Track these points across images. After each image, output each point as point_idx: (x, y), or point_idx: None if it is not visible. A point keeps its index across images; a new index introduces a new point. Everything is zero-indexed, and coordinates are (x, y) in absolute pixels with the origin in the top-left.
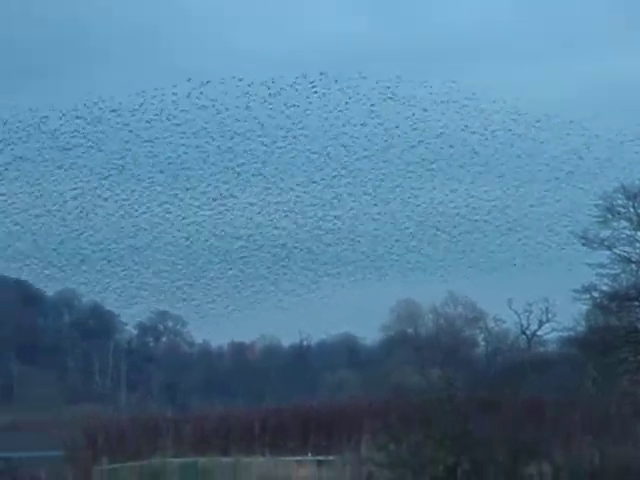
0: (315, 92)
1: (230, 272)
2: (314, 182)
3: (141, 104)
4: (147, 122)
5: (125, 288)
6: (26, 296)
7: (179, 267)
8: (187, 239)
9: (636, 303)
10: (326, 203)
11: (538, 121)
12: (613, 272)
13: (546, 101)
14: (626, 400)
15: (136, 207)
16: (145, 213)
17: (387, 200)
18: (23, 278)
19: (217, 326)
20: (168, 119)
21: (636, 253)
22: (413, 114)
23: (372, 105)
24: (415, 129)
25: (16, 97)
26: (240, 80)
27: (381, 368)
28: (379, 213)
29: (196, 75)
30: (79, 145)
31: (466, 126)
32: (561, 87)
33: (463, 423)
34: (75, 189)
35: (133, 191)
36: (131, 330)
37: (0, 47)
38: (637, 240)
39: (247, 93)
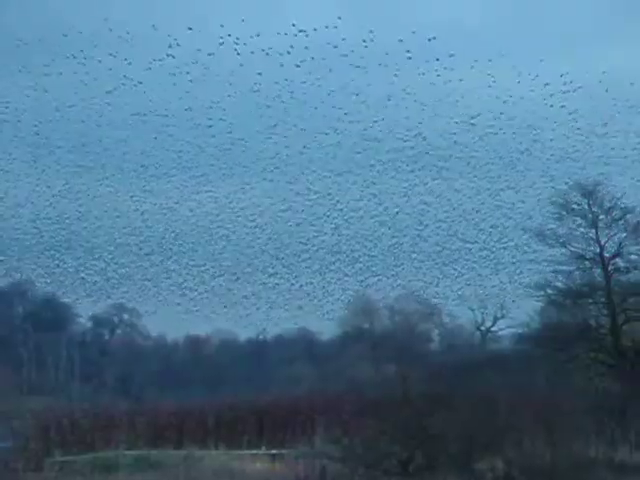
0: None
1: (186, 266)
2: (270, 181)
3: None
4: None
5: (80, 280)
6: None
7: (135, 260)
8: (143, 232)
9: (590, 300)
10: (285, 199)
11: (497, 118)
12: (567, 269)
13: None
14: (578, 397)
15: (91, 199)
16: (101, 205)
17: (346, 196)
18: None
19: (172, 319)
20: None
21: (590, 250)
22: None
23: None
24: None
25: None
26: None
27: (337, 363)
28: (339, 210)
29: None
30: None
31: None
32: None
33: (417, 418)
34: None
35: (88, 183)
36: (85, 322)
37: None
38: (591, 238)
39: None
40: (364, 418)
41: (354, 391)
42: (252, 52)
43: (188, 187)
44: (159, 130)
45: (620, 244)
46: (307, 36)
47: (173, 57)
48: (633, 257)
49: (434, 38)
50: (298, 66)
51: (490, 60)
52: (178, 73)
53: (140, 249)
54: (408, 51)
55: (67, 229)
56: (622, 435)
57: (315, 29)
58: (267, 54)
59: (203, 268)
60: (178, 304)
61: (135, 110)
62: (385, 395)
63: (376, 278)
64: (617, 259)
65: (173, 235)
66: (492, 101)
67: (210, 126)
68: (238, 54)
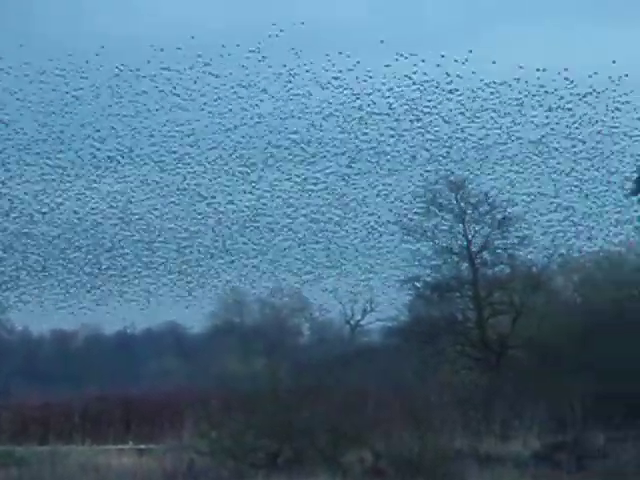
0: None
1: (52, 260)
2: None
3: None
4: None
5: None
6: None
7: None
8: (8, 226)
9: (457, 294)
10: (155, 195)
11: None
12: (435, 263)
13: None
14: (445, 389)
15: None
16: None
17: (212, 194)
18: None
19: (38, 314)
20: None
21: (458, 245)
22: None
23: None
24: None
25: None
26: None
27: (206, 357)
28: (210, 204)
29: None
30: None
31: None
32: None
33: (285, 412)
34: None
35: None
36: None
37: None
38: (459, 232)
39: None
40: (233, 412)
41: (223, 385)
42: None
43: (54, 178)
44: None
45: (487, 238)
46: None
47: None
48: (499, 251)
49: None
50: None
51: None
52: None
53: (3, 242)
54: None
55: None
56: (487, 427)
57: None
58: None
59: (68, 262)
60: (43, 298)
61: None
62: (254, 389)
63: (246, 272)
64: (484, 253)
65: (34, 229)
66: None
67: None
68: None
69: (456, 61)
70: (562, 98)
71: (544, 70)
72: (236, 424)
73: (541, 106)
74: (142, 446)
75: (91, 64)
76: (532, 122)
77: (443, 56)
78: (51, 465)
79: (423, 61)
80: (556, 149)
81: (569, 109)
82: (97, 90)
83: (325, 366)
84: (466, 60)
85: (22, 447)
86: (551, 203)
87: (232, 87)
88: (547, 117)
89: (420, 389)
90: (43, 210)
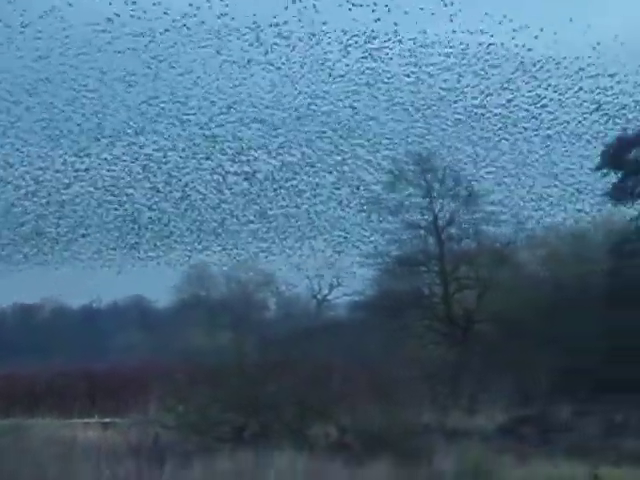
0: None
1: (15, 231)
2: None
3: None
4: None
5: None
6: None
7: None
8: None
9: (423, 268)
10: (124, 167)
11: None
12: (402, 237)
13: None
14: (411, 364)
15: None
16: None
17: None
18: None
19: (2, 287)
20: None
21: (424, 219)
22: None
23: None
24: None
25: None
26: None
27: (172, 331)
28: (174, 177)
29: None
30: None
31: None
32: None
33: (251, 386)
34: None
35: None
36: None
37: None
38: (425, 206)
39: None
40: (198, 386)
41: (189, 359)
42: None
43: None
44: None
45: (453, 213)
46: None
47: None
48: (465, 226)
49: None
50: None
51: None
52: None
53: None
54: None
55: None
56: (454, 401)
57: None
58: None
59: (29, 235)
60: (6, 271)
61: None
62: (219, 363)
63: (213, 246)
64: (450, 227)
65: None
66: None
67: None
68: None
69: None
70: None
71: None
72: (202, 398)
73: None
74: (107, 420)
75: None
76: None
77: None
78: (14, 439)
79: None
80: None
81: None
82: None
83: (291, 340)
84: None
85: None
86: (517, 178)
87: None
88: None
89: (387, 363)
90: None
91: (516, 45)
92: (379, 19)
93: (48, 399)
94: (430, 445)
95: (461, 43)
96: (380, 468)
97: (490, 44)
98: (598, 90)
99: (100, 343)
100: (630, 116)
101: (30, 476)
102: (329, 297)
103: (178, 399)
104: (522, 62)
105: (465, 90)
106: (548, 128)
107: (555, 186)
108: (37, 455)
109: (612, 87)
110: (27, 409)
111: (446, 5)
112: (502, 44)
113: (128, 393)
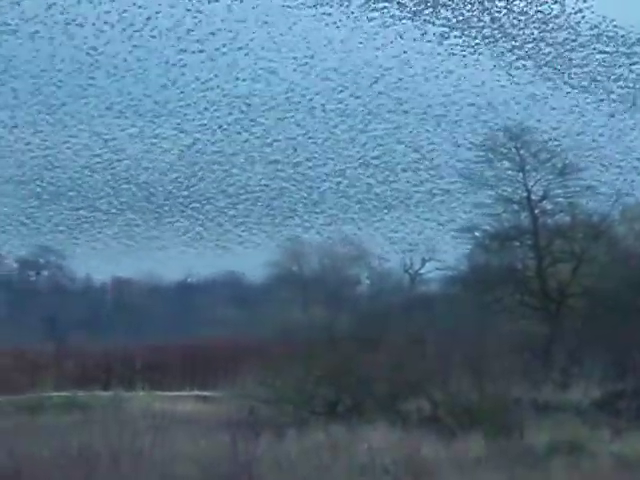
0: None
1: (113, 209)
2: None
3: None
4: None
5: (6, 221)
6: None
7: (62, 202)
8: (67, 174)
9: (516, 243)
10: (216, 141)
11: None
12: (495, 212)
13: None
14: (504, 339)
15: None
16: (28, 144)
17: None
18: None
19: (99, 262)
20: None
21: (517, 194)
22: None
23: None
24: None
25: None
26: None
27: (265, 306)
28: (271, 152)
29: None
30: None
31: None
32: None
33: (344, 361)
34: None
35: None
36: (11, 264)
37: None
38: (519, 181)
39: None
40: (292, 361)
41: (283, 334)
42: None
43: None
44: None
45: (547, 187)
46: None
47: None
48: (559, 200)
49: None
50: None
51: None
52: None
53: (63, 191)
54: None
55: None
56: (546, 376)
57: None
58: None
59: (127, 212)
60: (105, 246)
61: None
62: (313, 338)
63: (306, 221)
64: (544, 202)
65: (96, 178)
66: None
67: None
68: None
69: None
70: None
71: None
72: (296, 372)
73: None
74: (203, 393)
75: None
76: None
77: None
78: (113, 410)
79: None
80: None
81: None
82: None
83: (384, 315)
84: None
85: (84, 392)
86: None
87: None
88: None
89: (479, 338)
90: (104, 159)
91: None
92: None
93: (146, 373)
94: (522, 419)
95: None
96: (472, 441)
97: None
98: None
99: (194, 318)
100: None
101: (129, 445)
102: (421, 272)
103: (273, 373)
104: None
105: None
106: None
107: None
108: (135, 425)
109: None
110: (125, 382)
111: None
112: None
113: (223, 367)
